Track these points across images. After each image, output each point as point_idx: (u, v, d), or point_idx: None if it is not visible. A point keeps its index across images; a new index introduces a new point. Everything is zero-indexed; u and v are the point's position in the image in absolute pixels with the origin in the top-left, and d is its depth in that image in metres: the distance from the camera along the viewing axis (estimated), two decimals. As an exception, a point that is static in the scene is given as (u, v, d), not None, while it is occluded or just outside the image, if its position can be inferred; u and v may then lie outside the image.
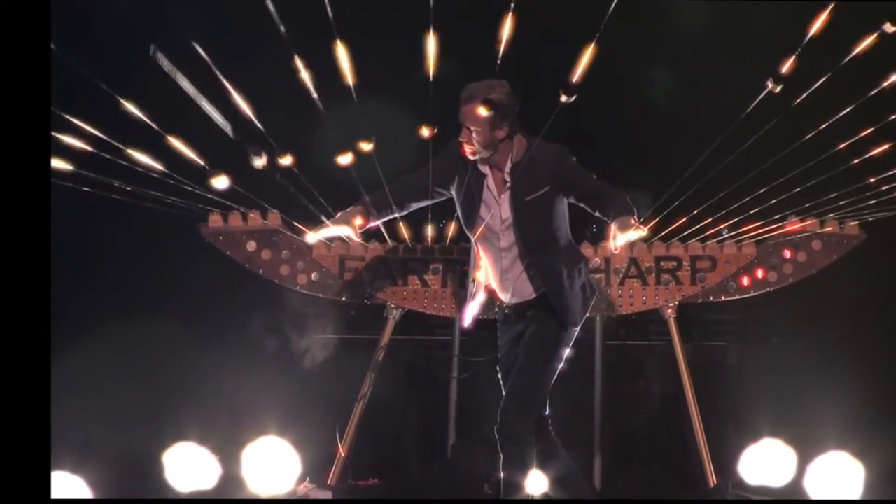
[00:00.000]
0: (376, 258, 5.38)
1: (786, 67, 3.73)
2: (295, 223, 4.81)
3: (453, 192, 4.11)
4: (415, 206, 4.19)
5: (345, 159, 3.99)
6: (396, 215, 4.20)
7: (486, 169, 4.04)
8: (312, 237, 4.17)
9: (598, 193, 3.91)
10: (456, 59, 4.03)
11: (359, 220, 4.01)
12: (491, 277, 4.16)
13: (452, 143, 4.06)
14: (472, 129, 3.89)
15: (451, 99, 3.95)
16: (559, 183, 3.94)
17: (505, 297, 4.14)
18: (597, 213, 3.91)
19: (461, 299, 5.20)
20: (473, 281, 4.19)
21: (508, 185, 3.99)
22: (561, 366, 4.04)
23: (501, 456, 3.96)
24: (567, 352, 4.06)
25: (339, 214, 4.05)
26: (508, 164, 3.98)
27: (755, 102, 3.94)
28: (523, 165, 3.95)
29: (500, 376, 4.21)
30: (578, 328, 4.10)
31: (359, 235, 4.06)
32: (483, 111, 3.82)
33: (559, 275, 4.00)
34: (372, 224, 4.10)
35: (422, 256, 5.39)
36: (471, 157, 3.99)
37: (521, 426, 3.93)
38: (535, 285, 4.03)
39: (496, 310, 4.31)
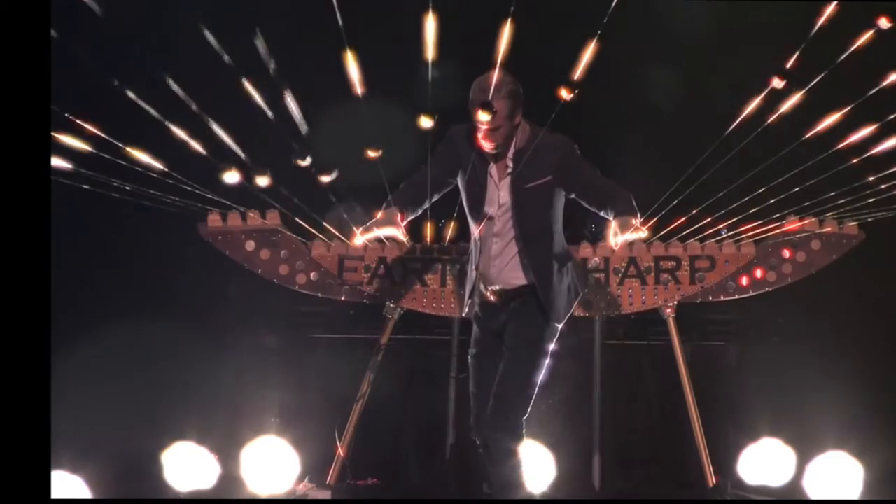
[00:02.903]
0: (375, 258, 5.37)
1: (790, 63, 3.73)
2: (298, 220, 4.81)
3: (459, 181, 4.10)
4: (428, 203, 4.16)
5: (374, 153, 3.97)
6: (412, 216, 4.18)
7: (489, 156, 4.01)
8: (360, 239, 4.03)
9: (601, 189, 3.90)
10: (458, 51, 4.01)
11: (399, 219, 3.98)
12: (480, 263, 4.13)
13: (449, 132, 4.04)
14: (496, 126, 3.84)
15: (451, 90, 3.92)
16: (562, 175, 3.92)
17: (490, 282, 4.07)
18: (597, 210, 3.90)
19: (460, 299, 5.20)
20: (476, 269, 4.15)
21: (510, 170, 3.96)
22: (547, 360, 3.99)
23: (490, 455, 3.93)
24: (552, 346, 4.02)
25: (379, 215, 3.98)
26: (512, 150, 3.96)
27: (753, 102, 3.94)
28: (527, 152, 3.92)
29: (470, 365, 4.14)
30: (562, 324, 4.07)
31: (405, 234, 4.03)
32: (504, 108, 3.79)
33: (549, 267, 3.97)
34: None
35: (421, 256, 5.39)
36: (492, 152, 3.95)
37: (512, 424, 3.91)
38: (523, 274, 3.99)
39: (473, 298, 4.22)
